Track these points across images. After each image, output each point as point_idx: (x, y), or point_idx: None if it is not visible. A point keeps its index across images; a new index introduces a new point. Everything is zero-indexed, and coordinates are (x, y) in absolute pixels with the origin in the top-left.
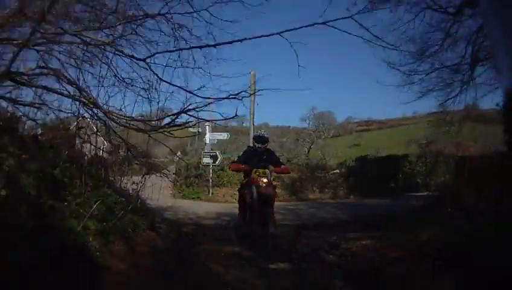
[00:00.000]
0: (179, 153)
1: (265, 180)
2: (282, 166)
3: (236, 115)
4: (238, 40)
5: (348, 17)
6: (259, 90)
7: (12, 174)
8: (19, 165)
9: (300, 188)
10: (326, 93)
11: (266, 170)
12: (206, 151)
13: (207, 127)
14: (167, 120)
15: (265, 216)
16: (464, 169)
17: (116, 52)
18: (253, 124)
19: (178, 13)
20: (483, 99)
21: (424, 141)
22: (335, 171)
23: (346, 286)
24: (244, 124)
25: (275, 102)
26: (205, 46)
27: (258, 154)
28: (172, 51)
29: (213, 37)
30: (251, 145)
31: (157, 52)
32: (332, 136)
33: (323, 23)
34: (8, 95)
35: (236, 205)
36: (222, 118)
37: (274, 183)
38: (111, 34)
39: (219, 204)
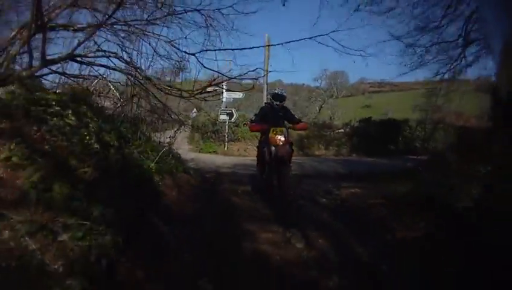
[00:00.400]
0: (194, 110)
1: (282, 138)
2: (300, 123)
3: (253, 87)
4: (257, 47)
5: (325, 34)
6: (271, 72)
7: (97, 133)
8: (98, 126)
9: (307, 144)
10: (341, 54)
11: (283, 128)
12: (222, 109)
13: (224, 86)
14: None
15: (282, 177)
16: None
17: (173, 47)
18: (267, 82)
19: (209, 9)
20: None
21: (428, 107)
22: (340, 130)
23: (335, 221)
24: (257, 82)
25: (289, 61)
26: (235, 49)
27: (275, 111)
28: (212, 50)
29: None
30: (267, 102)
31: (203, 50)
32: (343, 96)
33: (310, 38)
34: (59, 70)
35: (251, 157)
36: (242, 88)
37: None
38: (153, 18)
39: (234, 157)
